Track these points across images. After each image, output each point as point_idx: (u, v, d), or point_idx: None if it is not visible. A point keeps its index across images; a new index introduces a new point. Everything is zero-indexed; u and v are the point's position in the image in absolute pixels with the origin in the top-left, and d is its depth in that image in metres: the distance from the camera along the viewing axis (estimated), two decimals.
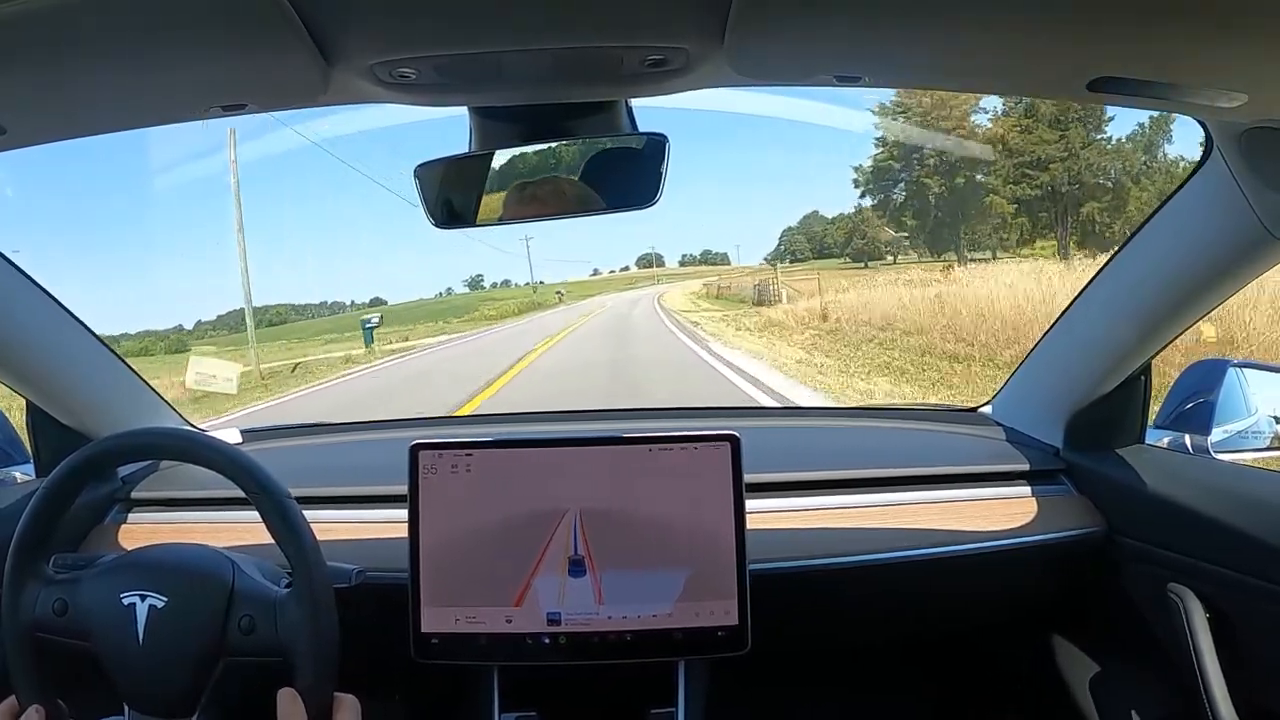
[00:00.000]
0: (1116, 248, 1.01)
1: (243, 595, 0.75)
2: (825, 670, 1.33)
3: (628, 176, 0.79)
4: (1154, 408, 1.11)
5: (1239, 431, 1.07)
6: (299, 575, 0.73)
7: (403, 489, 0.94)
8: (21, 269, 0.99)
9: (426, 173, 0.80)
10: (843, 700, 1.36)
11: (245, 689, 0.78)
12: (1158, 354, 1.02)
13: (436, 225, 0.81)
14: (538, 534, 0.93)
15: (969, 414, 1.35)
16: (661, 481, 0.93)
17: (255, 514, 0.75)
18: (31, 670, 0.74)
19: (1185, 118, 0.71)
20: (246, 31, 0.51)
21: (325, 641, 0.72)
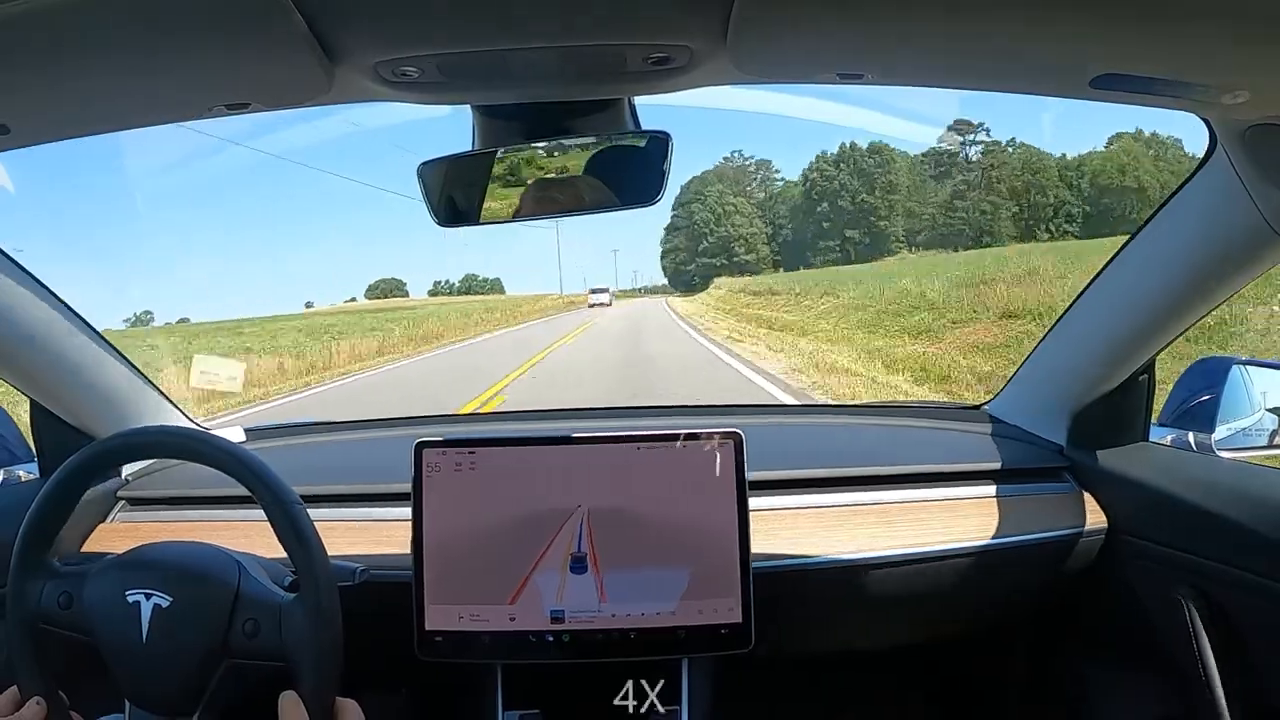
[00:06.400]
0: (1120, 245, 1.00)
1: (248, 599, 0.75)
2: (829, 669, 1.33)
3: (631, 174, 0.79)
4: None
5: (1243, 429, 1.07)
6: (305, 582, 0.73)
7: (406, 487, 0.94)
8: (24, 267, 0.99)
9: (429, 171, 0.80)
10: (847, 699, 1.36)
11: (247, 689, 0.78)
12: (1161, 351, 1.02)
13: (440, 224, 0.81)
14: (541, 531, 0.93)
15: (972, 411, 1.35)
16: (664, 479, 0.93)
17: (259, 512, 0.75)
18: (34, 661, 0.74)
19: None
20: (249, 30, 0.51)
21: (329, 649, 0.72)
